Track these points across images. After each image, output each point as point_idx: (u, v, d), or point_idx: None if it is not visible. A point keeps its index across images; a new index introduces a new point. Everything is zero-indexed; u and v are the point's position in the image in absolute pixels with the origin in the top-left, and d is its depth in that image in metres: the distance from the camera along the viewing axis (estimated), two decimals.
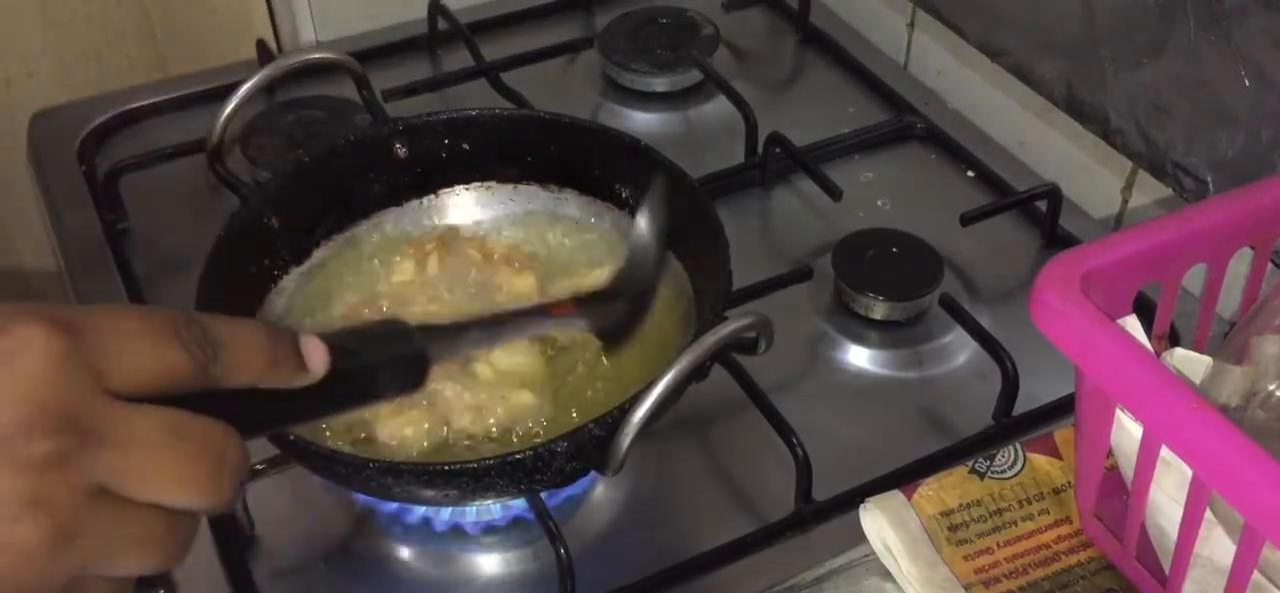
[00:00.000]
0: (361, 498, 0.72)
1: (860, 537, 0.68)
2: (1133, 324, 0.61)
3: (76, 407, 0.38)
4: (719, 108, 1.02)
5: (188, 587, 0.69)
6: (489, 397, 0.70)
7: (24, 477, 0.37)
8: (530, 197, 0.82)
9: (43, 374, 0.37)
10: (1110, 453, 0.64)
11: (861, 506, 0.69)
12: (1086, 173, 0.94)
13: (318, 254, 0.79)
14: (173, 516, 0.40)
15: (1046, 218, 0.90)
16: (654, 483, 0.75)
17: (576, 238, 0.81)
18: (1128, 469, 0.62)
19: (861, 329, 0.84)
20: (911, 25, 1.09)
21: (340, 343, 0.46)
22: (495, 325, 0.58)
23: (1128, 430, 0.62)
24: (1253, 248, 0.67)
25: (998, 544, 0.68)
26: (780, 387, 0.78)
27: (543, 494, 0.69)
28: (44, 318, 0.38)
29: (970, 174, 0.97)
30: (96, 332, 0.39)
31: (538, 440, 0.67)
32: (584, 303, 0.62)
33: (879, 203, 0.95)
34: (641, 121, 1.03)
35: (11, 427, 0.37)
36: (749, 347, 0.67)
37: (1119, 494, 0.64)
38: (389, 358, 0.48)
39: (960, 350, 0.82)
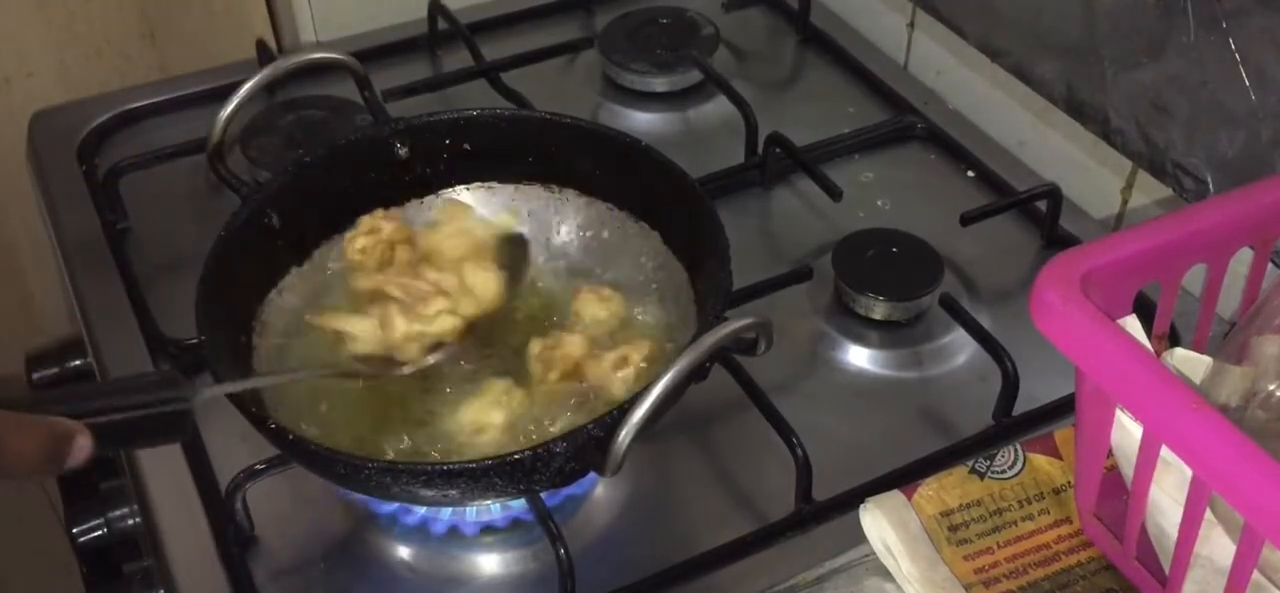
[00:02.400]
0: (360, 497, 0.72)
1: (860, 537, 0.68)
2: (1133, 324, 0.61)
3: None
4: (719, 108, 1.02)
5: (188, 587, 0.69)
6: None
7: None
8: (531, 197, 0.82)
9: None
10: (1110, 453, 0.64)
11: (861, 506, 0.69)
12: (1086, 173, 0.94)
13: (318, 254, 0.79)
14: None
15: (1046, 218, 0.90)
16: (654, 483, 0.75)
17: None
18: (1128, 469, 0.62)
19: (861, 329, 0.84)
20: (911, 25, 1.09)
21: (105, 410, 0.54)
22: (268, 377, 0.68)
23: (1128, 430, 0.62)
24: (1253, 248, 0.67)
25: (998, 544, 0.68)
26: (780, 387, 0.78)
27: (543, 494, 0.69)
28: None
29: (970, 174, 0.97)
30: None
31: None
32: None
33: (879, 203, 0.95)
34: (641, 121, 1.03)
35: None
36: (749, 347, 0.67)
37: (1119, 494, 0.64)
38: (150, 414, 0.56)
39: (960, 350, 0.82)
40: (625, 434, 0.61)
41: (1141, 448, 0.59)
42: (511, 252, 0.78)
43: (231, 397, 0.64)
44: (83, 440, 0.53)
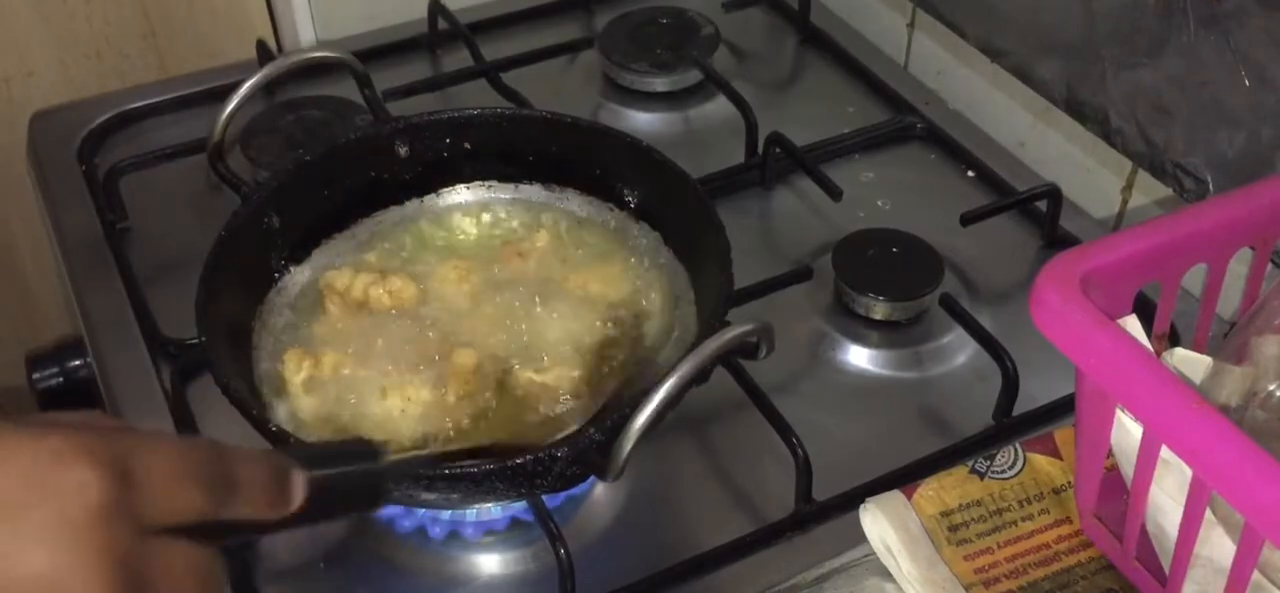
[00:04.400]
0: None
1: (860, 537, 0.68)
2: (1133, 324, 0.61)
3: (126, 558, 0.41)
4: (719, 108, 1.02)
5: None
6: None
7: None
8: (531, 196, 0.82)
9: (97, 525, 0.40)
10: (1110, 453, 0.64)
11: (861, 506, 0.69)
12: (1086, 173, 0.94)
13: (318, 254, 0.79)
14: None
15: (1046, 218, 0.90)
16: (654, 483, 0.75)
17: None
18: (1128, 469, 0.62)
19: (861, 329, 0.84)
20: (911, 25, 1.09)
21: (315, 472, 0.49)
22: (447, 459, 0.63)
23: (1128, 430, 0.62)
24: (1253, 248, 0.67)
25: (998, 544, 0.68)
26: (780, 387, 0.78)
27: (543, 496, 0.69)
28: (97, 461, 0.40)
29: (970, 174, 0.97)
30: (143, 477, 0.41)
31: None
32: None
33: (879, 203, 0.95)
34: (641, 121, 1.03)
35: (68, 575, 0.39)
36: (751, 352, 0.67)
37: (1119, 494, 0.64)
38: (350, 484, 0.52)
39: (960, 350, 0.82)
40: (627, 440, 0.60)
41: (1141, 448, 0.59)
42: None
43: (233, 399, 0.64)
44: (299, 478, 0.48)
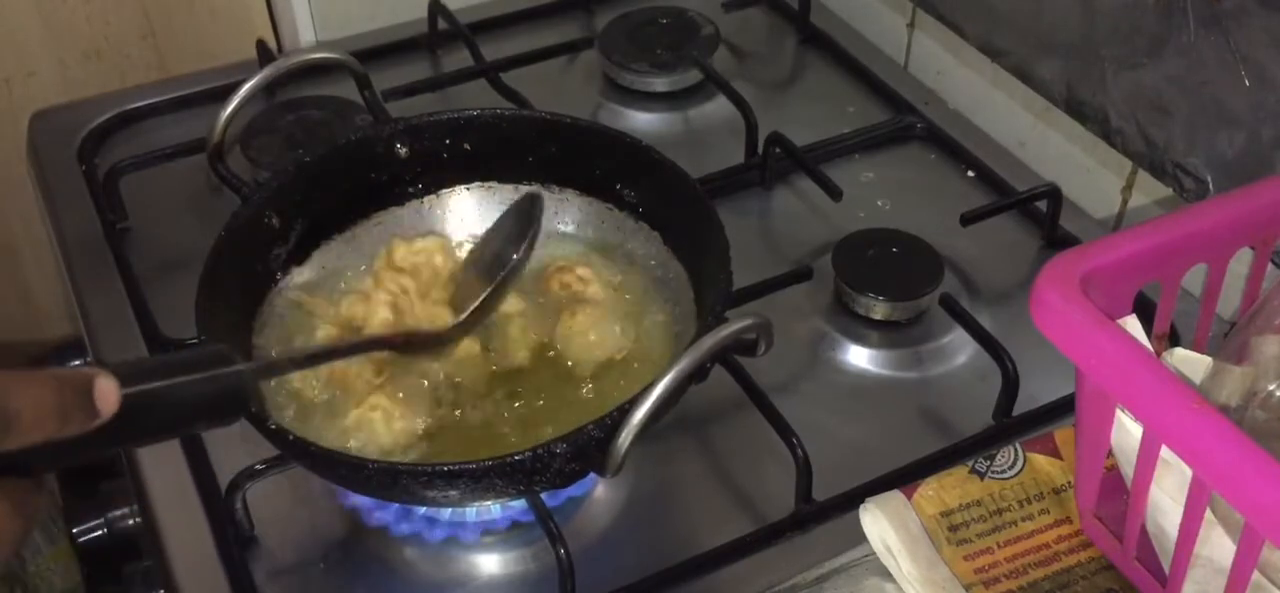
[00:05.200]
0: (360, 499, 0.72)
1: (860, 537, 0.68)
2: (1133, 324, 0.61)
3: None
4: (719, 108, 1.02)
5: (188, 587, 0.69)
6: None
7: None
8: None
9: None
10: (1110, 453, 0.64)
11: (861, 506, 0.69)
12: (1086, 173, 0.94)
13: (318, 254, 0.79)
14: None
15: (1046, 218, 0.90)
16: (654, 483, 0.75)
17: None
18: (1128, 469, 0.62)
19: (861, 329, 0.84)
20: (911, 25, 1.09)
21: (148, 381, 0.49)
22: (317, 354, 0.66)
23: (1128, 430, 0.62)
24: (1253, 248, 0.67)
25: (998, 544, 0.68)
26: (780, 387, 0.78)
27: (543, 495, 0.69)
28: None
29: (970, 174, 0.97)
30: None
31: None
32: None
33: (879, 203, 0.95)
34: (641, 121, 1.03)
35: None
36: (749, 348, 0.67)
37: (1119, 494, 0.64)
38: (202, 391, 0.51)
39: (960, 350, 0.82)
40: (625, 435, 0.61)
41: (1141, 448, 0.59)
42: (527, 209, 0.76)
43: None
44: (105, 384, 0.46)
